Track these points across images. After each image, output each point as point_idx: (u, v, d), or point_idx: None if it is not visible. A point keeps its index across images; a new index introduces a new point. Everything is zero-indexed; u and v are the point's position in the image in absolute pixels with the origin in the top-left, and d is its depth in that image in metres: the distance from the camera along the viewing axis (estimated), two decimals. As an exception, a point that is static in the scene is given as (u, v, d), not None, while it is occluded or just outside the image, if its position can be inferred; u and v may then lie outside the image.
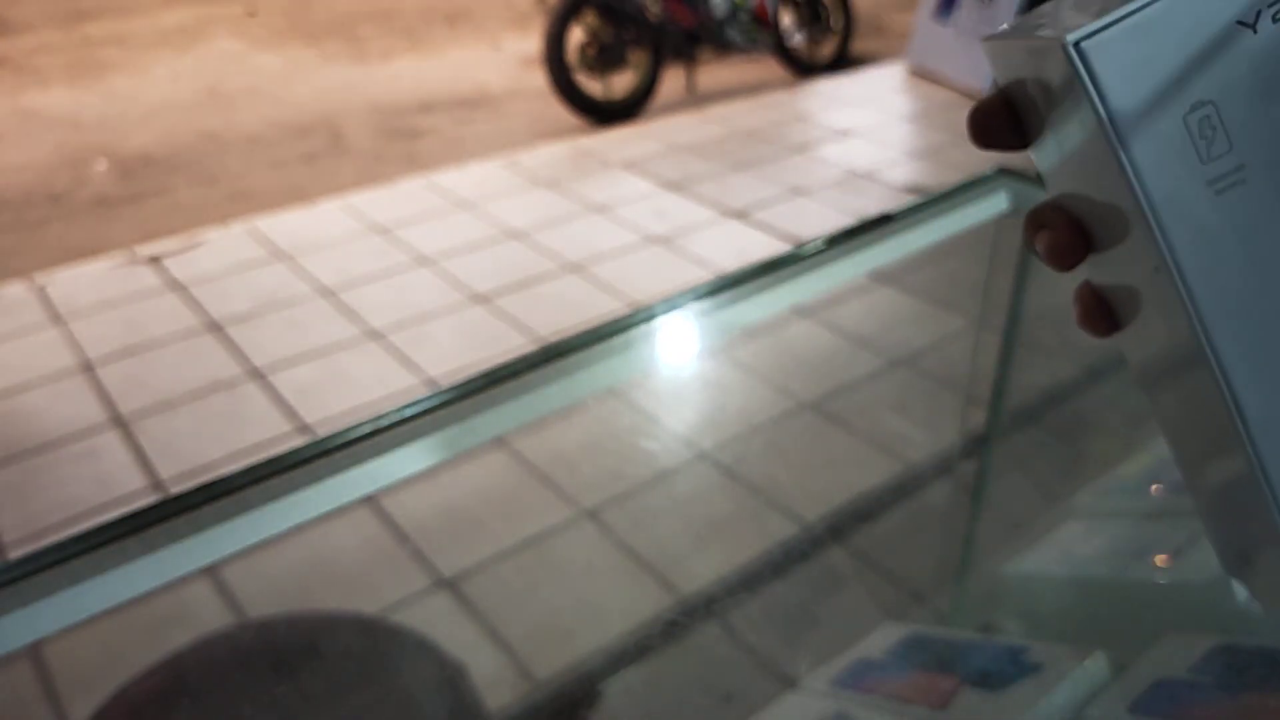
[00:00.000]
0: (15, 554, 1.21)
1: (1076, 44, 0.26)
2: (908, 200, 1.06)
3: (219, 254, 2.90)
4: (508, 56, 5.08)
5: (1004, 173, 1.12)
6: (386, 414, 0.79)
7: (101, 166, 3.82)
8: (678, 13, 4.23)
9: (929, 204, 1.09)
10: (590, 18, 3.98)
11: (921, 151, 3.57)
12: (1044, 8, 0.31)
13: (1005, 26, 0.32)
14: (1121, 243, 0.28)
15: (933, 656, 0.86)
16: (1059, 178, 0.31)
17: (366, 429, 0.78)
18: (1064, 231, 0.30)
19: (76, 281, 2.76)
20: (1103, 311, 0.32)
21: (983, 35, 0.32)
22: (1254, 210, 0.26)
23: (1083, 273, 0.32)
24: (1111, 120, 0.26)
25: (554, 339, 1.31)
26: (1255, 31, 0.26)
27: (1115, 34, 0.26)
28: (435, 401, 0.81)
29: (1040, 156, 0.31)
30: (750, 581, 1.62)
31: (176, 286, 2.72)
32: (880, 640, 0.91)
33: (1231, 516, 0.30)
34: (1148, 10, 0.26)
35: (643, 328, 0.92)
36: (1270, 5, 0.26)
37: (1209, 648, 0.71)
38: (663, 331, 0.93)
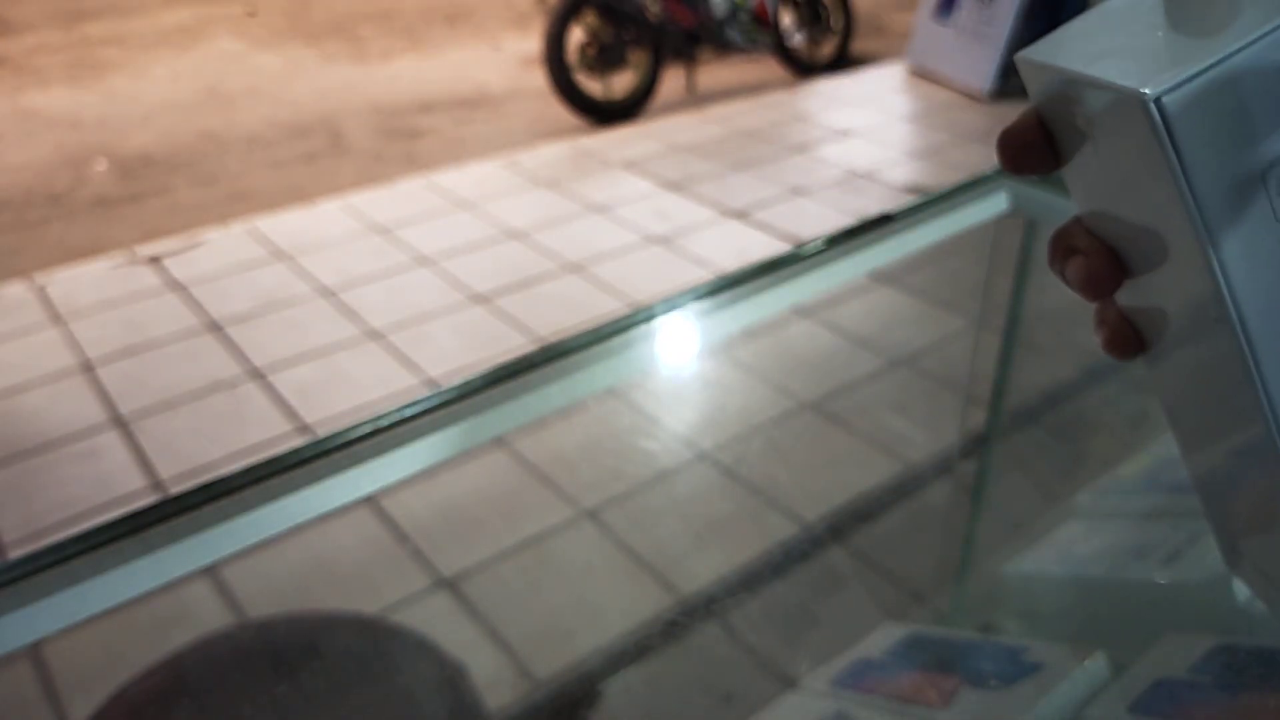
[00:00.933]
0: (15, 554, 1.21)
1: (1158, 99, 0.24)
2: (908, 200, 1.06)
3: (219, 254, 2.90)
4: (508, 56, 5.08)
5: (1004, 173, 1.12)
6: (386, 414, 0.79)
7: (101, 166, 3.82)
8: (678, 13, 4.23)
9: (929, 204, 1.09)
10: (590, 18, 3.98)
11: (921, 151, 3.57)
12: (1083, 24, 0.29)
13: (1042, 45, 0.29)
14: (1160, 268, 0.27)
15: (933, 656, 0.86)
16: (1096, 198, 0.29)
17: (366, 429, 0.78)
18: (1100, 259, 0.28)
19: (76, 281, 2.76)
20: (1131, 334, 0.30)
21: (1017, 55, 0.30)
22: None
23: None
24: (1188, 179, 0.25)
25: (554, 339, 1.31)
26: None
27: (1197, 87, 0.24)
28: (435, 401, 0.81)
29: (1074, 175, 0.29)
30: (750, 581, 1.62)
31: (176, 286, 2.72)
32: (880, 640, 0.91)
33: (1255, 525, 0.30)
34: (1232, 61, 0.24)
35: (643, 328, 0.92)
36: None
37: (1208, 648, 0.71)
38: (663, 331, 0.93)
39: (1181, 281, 0.27)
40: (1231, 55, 0.24)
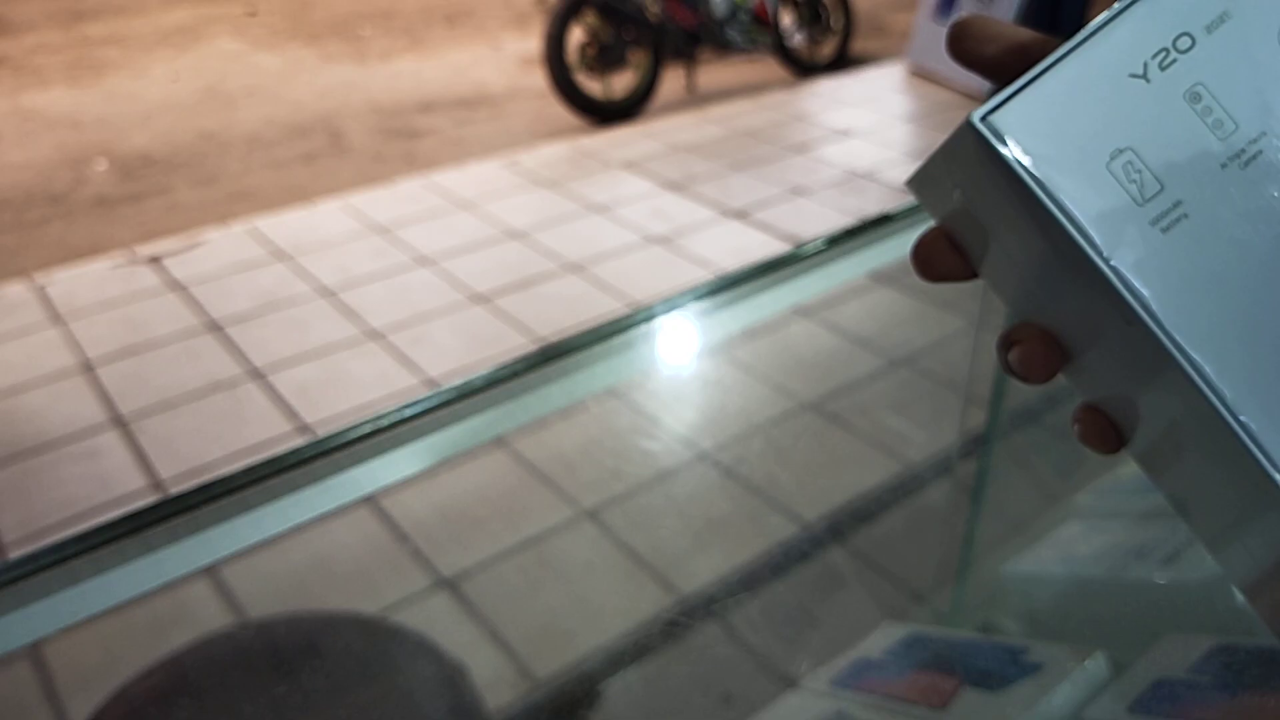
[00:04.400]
0: (15, 554, 1.21)
1: (984, 118, 0.27)
2: (908, 200, 1.06)
3: (219, 254, 2.90)
4: (508, 56, 5.08)
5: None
6: (386, 414, 0.79)
7: (101, 166, 3.82)
8: (678, 13, 4.23)
9: (929, 204, 1.09)
10: (590, 18, 3.98)
11: (921, 151, 3.57)
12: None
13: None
14: (1096, 341, 0.28)
15: (933, 656, 0.86)
16: (1017, 296, 0.31)
17: (366, 429, 0.78)
18: (1035, 343, 0.30)
19: (76, 281, 2.76)
20: (1105, 425, 0.30)
21: (908, 181, 0.33)
22: (1205, 241, 0.26)
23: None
24: (1038, 181, 0.26)
25: (554, 339, 1.31)
26: (1148, 81, 0.27)
27: (1018, 104, 0.27)
28: (435, 401, 0.81)
29: (992, 280, 0.31)
30: (750, 581, 1.62)
31: (176, 286, 2.72)
32: (880, 640, 0.91)
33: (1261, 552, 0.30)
34: (1043, 79, 0.27)
35: (643, 328, 0.92)
36: (1154, 56, 0.27)
37: (1208, 648, 0.71)
38: (663, 331, 0.93)
39: (1107, 338, 0.28)
40: (1040, 75, 0.27)
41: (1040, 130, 0.27)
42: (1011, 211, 0.28)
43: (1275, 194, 0.27)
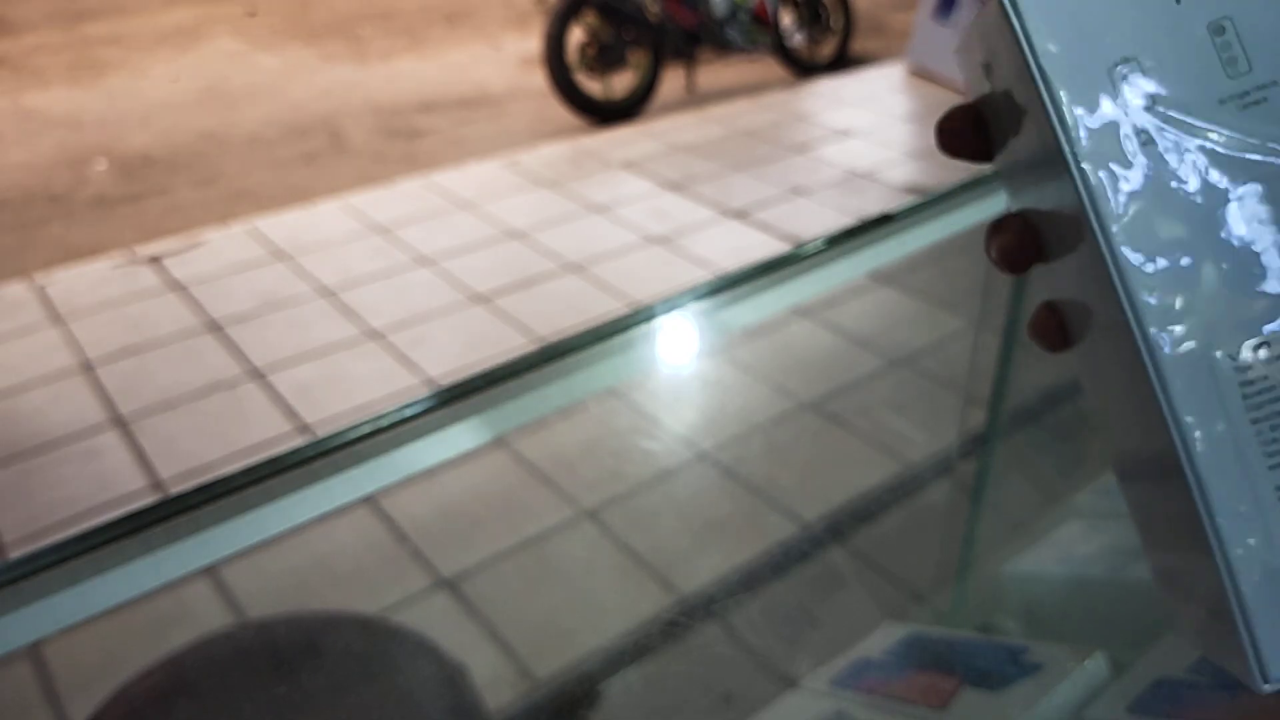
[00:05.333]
0: (15, 554, 1.21)
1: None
2: (908, 200, 1.06)
3: (219, 254, 2.90)
4: (508, 56, 5.08)
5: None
6: (386, 414, 0.79)
7: (101, 166, 3.82)
8: (678, 13, 4.23)
9: (929, 204, 1.09)
10: (590, 18, 3.98)
11: (921, 151, 3.57)
12: None
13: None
14: (1070, 254, 0.28)
15: (933, 656, 0.86)
16: (1013, 183, 0.31)
17: (366, 429, 0.78)
18: (1014, 235, 0.30)
19: (76, 281, 2.76)
20: (1054, 325, 0.31)
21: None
22: (1173, 159, 0.26)
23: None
24: (1040, 68, 0.26)
25: (554, 339, 1.31)
26: (1178, 1, 0.26)
27: None
28: (435, 401, 0.81)
29: (1001, 166, 0.31)
30: (750, 581, 1.62)
31: (176, 286, 2.72)
32: (880, 640, 0.91)
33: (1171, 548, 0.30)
34: None
35: (643, 328, 0.92)
36: None
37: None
38: (663, 331, 0.93)
39: (1080, 256, 0.28)
40: None
41: (1058, 17, 0.26)
42: (1015, 87, 0.28)
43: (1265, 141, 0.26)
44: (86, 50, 5.21)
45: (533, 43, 4.80)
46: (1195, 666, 0.70)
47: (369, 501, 1.78)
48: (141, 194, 3.60)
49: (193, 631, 0.68)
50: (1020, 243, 0.30)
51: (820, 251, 1.02)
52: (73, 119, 4.28)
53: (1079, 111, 0.26)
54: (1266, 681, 0.27)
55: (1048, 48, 0.26)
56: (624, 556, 1.72)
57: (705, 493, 1.86)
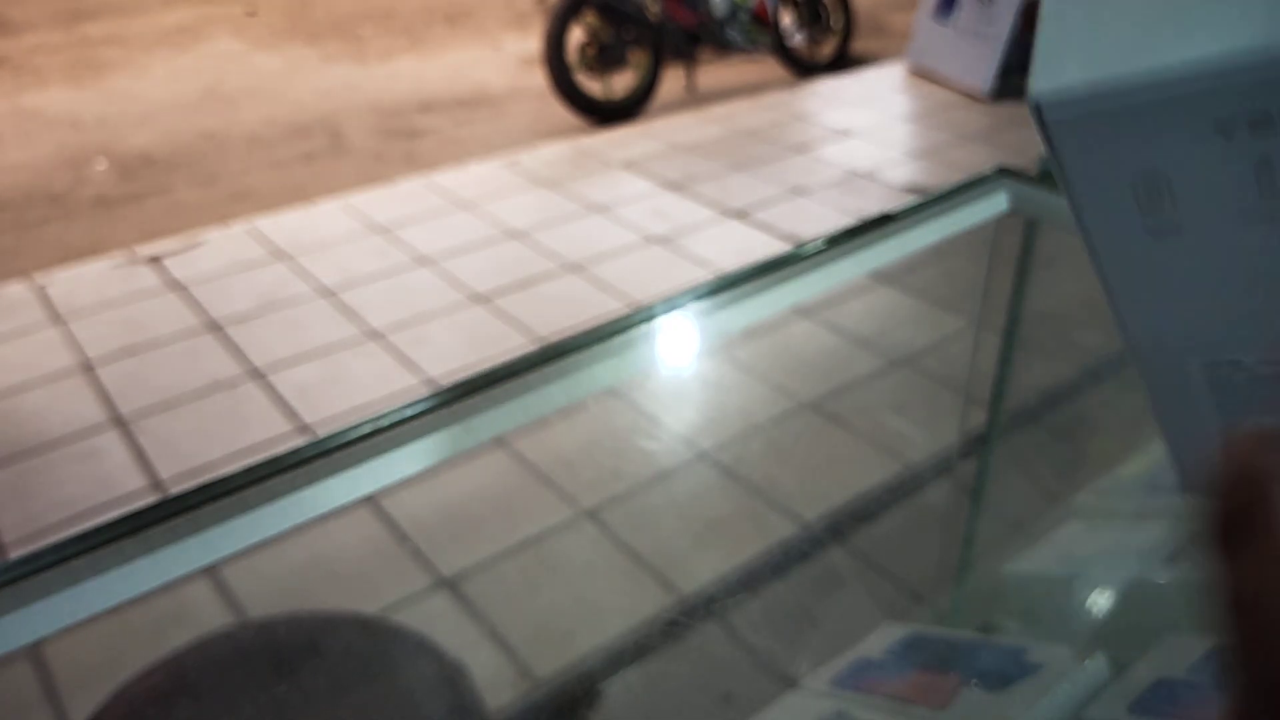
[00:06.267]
0: (15, 554, 1.21)
1: (1038, 101, 0.25)
2: (908, 200, 1.06)
3: (219, 254, 2.90)
4: (508, 56, 5.08)
5: (1004, 173, 1.12)
6: (386, 414, 0.79)
7: (101, 166, 3.82)
8: (678, 13, 4.23)
9: (929, 204, 1.09)
10: (590, 18, 3.98)
11: (921, 151, 3.57)
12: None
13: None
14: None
15: (933, 656, 0.86)
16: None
17: (366, 429, 0.78)
18: None
19: (76, 281, 2.76)
20: None
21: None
22: (1189, 254, 0.26)
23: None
24: (1066, 178, 0.26)
25: (554, 339, 1.31)
26: (1228, 140, 0.24)
27: (1084, 94, 0.24)
28: (435, 401, 0.81)
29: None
30: (750, 581, 1.62)
31: (176, 286, 2.72)
32: (880, 640, 0.91)
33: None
34: (1136, 79, 0.24)
35: (643, 328, 0.92)
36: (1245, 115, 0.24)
37: (1208, 648, 0.71)
38: (663, 331, 0.93)
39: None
40: (1136, 87, 0.24)
41: (1092, 126, 0.25)
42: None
43: None
44: (86, 50, 5.21)
45: (533, 43, 4.80)
46: (1195, 666, 0.70)
47: (369, 501, 1.78)
48: (141, 194, 3.60)
49: (193, 631, 0.68)
50: None
51: (820, 251, 1.02)
52: (73, 119, 4.28)
53: (1099, 215, 0.27)
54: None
55: (1075, 169, 0.27)
56: (624, 556, 1.72)
57: (705, 493, 1.86)
